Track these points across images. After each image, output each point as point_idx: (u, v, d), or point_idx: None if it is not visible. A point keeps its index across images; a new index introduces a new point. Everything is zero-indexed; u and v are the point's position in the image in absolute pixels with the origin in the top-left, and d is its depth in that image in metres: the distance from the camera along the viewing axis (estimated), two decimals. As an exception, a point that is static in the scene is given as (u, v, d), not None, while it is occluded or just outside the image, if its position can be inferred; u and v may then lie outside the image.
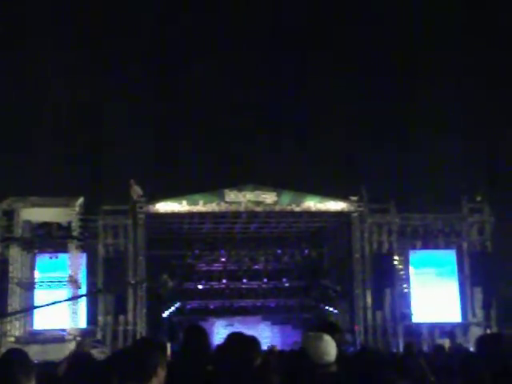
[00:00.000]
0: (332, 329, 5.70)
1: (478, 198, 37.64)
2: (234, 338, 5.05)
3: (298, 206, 36.64)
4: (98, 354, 21.99)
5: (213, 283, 42.98)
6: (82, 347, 5.79)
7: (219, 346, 5.32)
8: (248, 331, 5.52)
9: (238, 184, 36.69)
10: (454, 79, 45.45)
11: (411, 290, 37.00)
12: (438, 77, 45.57)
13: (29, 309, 33.53)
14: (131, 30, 46.64)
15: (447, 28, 45.87)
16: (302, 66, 47.74)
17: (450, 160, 43.05)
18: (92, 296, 34.19)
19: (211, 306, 43.04)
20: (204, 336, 5.36)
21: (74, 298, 33.44)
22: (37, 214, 33.47)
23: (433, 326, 36.30)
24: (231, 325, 39.12)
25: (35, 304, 34.05)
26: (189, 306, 42.67)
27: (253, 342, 5.03)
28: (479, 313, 36.77)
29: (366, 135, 44.95)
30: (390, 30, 46.55)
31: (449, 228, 37.62)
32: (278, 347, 26.45)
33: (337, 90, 47.13)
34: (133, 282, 34.60)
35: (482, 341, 5.26)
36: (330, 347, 4.65)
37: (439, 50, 47.26)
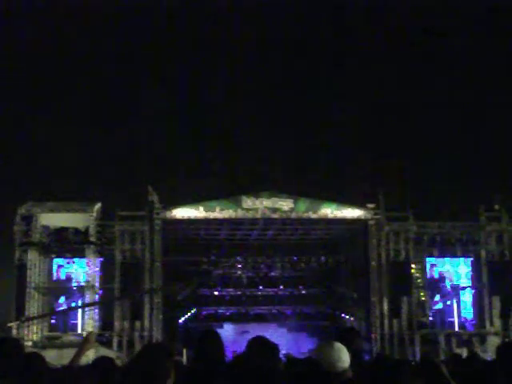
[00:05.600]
0: (351, 334, 5.68)
1: (496, 207, 37.37)
2: (258, 343, 5.10)
3: (314, 213, 36.57)
4: (115, 359, 22.05)
5: (229, 290, 42.97)
6: (91, 338, 5.81)
7: (242, 353, 5.34)
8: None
9: (255, 191, 36.70)
10: (464, 82, 45.23)
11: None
12: (451, 85, 45.40)
13: (51, 313, 33.76)
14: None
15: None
16: (318, 73, 47.80)
17: (468, 168, 42.79)
18: (110, 302, 34.39)
19: (227, 313, 43.02)
20: (218, 341, 5.36)
21: (94, 303, 33.65)
22: (55, 219, 33.71)
23: (450, 335, 36.04)
24: (247, 331, 39.04)
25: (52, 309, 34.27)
26: (204, 313, 42.69)
27: (275, 348, 5.07)
28: (497, 322, 36.45)
29: (382, 143, 44.83)
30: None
31: (466, 236, 37.37)
32: (293, 354, 26.38)
33: (355, 99, 47.08)
34: (148, 288, 34.63)
35: (503, 349, 5.19)
36: (342, 354, 4.61)
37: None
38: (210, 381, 4.84)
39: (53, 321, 34.58)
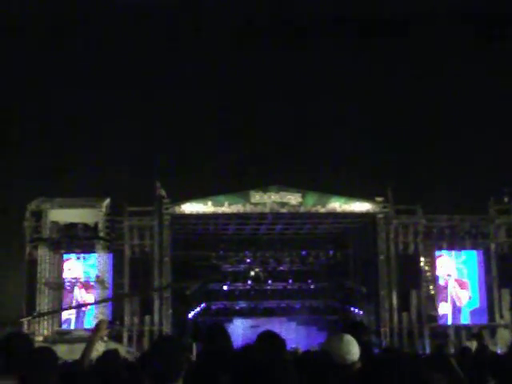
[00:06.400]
0: (359, 328, 5.71)
1: (505, 200, 37.26)
2: (264, 336, 5.11)
3: (323, 207, 36.55)
4: (125, 353, 22.20)
5: (238, 284, 43.05)
6: (102, 326, 5.86)
7: (250, 345, 5.35)
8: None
9: (263, 185, 36.72)
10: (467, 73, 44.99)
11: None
12: (461, 81, 45.16)
13: (65, 309, 33.95)
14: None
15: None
16: (324, 69, 47.65)
17: (477, 161, 42.63)
18: (122, 299, 34.60)
19: (236, 307, 43.11)
20: (225, 335, 5.38)
21: (105, 300, 33.78)
22: (64, 214, 33.84)
23: (459, 328, 36.01)
24: (256, 326, 39.12)
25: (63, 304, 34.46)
26: (214, 307, 42.79)
27: (281, 341, 5.08)
28: (507, 315, 36.38)
29: (391, 136, 44.68)
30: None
31: (475, 229, 37.29)
32: (303, 348, 26.44)
33: (363, 91, 46.94)
34: (158, 286, 34.74)
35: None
36: (351, 346, 4.63)
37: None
38: (216, 375, 4.87)
39: (66, 316, 34.77)
